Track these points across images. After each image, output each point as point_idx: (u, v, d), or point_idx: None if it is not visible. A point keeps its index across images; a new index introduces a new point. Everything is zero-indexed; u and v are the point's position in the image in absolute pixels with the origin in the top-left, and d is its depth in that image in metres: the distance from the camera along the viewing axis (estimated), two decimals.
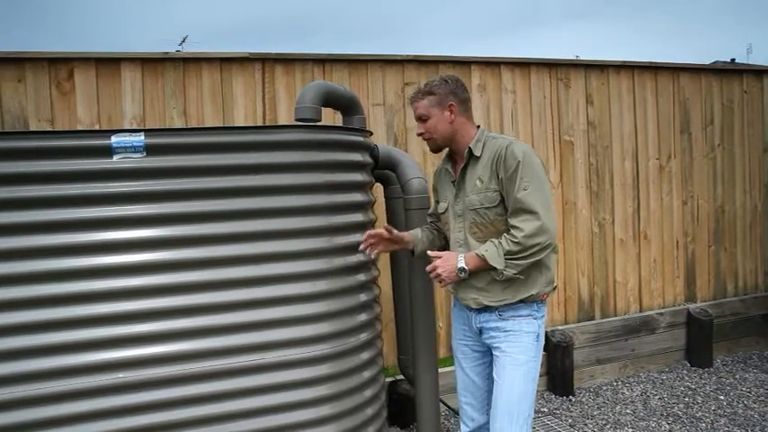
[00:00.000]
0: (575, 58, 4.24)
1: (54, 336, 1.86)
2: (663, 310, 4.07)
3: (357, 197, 2.30)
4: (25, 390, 1.84)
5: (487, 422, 2.10)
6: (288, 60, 3.13)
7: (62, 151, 1.86)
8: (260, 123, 3.06)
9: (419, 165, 2.62)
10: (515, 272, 1.89)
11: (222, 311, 1.99)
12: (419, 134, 2.11)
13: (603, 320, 3.89)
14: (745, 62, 15.61)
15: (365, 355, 2.27)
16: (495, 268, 1.88)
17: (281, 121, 3.10)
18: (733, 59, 16.48)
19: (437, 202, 2.25)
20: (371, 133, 2.59)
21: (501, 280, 1.92)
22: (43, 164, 1.85)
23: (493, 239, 1.92)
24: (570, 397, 3.58)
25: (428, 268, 1.99)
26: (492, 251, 1.88)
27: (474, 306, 2.02)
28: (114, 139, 1.87)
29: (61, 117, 2.77)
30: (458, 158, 2.10)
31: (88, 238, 1.88)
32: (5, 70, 2.67)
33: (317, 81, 2.57)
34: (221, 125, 2.99)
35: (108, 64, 2.82)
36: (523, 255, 1.86)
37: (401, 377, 3.15)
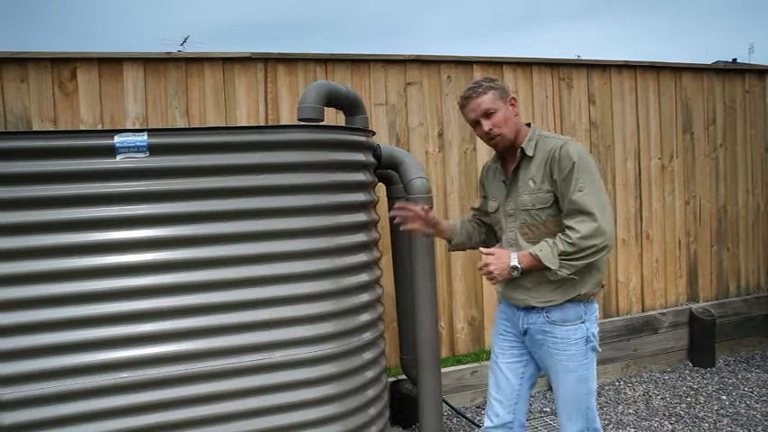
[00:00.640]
0: (576, 57, 4.25)
1: (59, 335, 1.86)
2: (665, 310, 4.07)
3: (360, 197, 2.30)
4: (28, 389, 1.84)
5: (512, 421, 2.11)
6: (290, 60, 3.13)
7: (65, 151, 1.86)
8: (262, 123, 3.06)
9: (421, 165, 2.62)
10: (569, 272, 1.86)
11: (225, 311, 2.00)
12: (486, 132, 1.96)
13: (606, 320, 3.88)
14: (747, 62, 15.59)
15: (368, 355, 2.27)
16: (548, 268, 1.85)
17: (284, 121, 3.11)
18: (735, 59, 16.46)
19: (484, 197, 2.23)
20: (374, 133, 2.59)
21: (554, 280, 1.89)
22: (46, 164, 1.85)
23: (547, 239, 1.89)
24: None
25: (479, 265, 1.94)
26: (546, 251, 1.85)
27: (522, 306, 2.01)
28: (117, 139, 1.87)
29: (64, 117, 2.77)
30: (508, 157, 2.05)
31: (91, 238, 1.88)
32: (8, 70, 2.68)
33: (320, 81, 2.57)
34: (224, 125, 3.00)
35: (110, 64, 2.82)
36: (578, 256, 1.83)
37: (403, 377, 3.15)
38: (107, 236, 1.89)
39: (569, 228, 1.84)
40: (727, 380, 3.80)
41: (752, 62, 15.75)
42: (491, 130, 1.95)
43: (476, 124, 1.99)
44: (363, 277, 2.28)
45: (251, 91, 3.07)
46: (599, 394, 3.63)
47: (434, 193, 3.38)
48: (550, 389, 3.63)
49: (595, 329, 2.01)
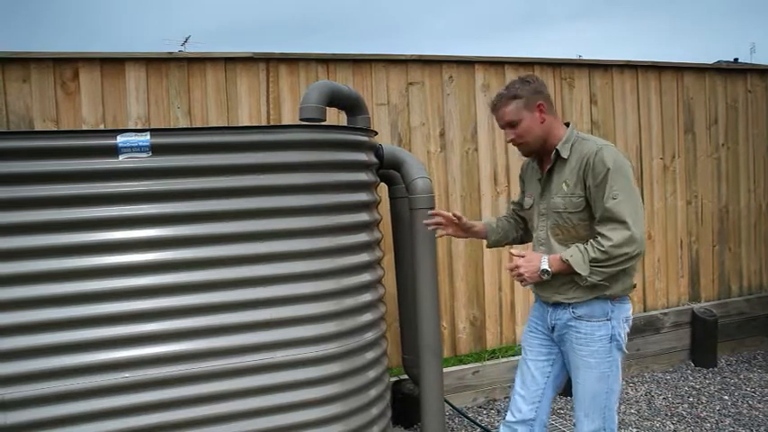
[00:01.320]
0: (577, 57, 4.24)
1: (60, 335, 1.86)
2: (667, 310, 4.07)
3: (362, 197, 2.30)
4: (30, 389, 1.84)
5: (534, 419, 2.11)
6: (292, 60, 3.13)
7: (68, 151, 1.86)
8: (264, 123, 3.06)
9: (423, 164, 2.62)
10: (600, 279, 1.86)
11: (227, 311, 2.00)
12: (510, 141, 2.02)
13: None
14: (749, 62, 15.57)
15: (370, 355, 2.27)
16: (579, 274, 1.86)
17: (286, 121, 3.11)
18: (736, 59, 16.45)
19: (523, 192, 2.25)
20: (376, 133, 2.59)
21: (585, 285, 1.90)
22: (48, 164, 1.85)
23: (578, 245, 1.89)
24: None
25: (509, 266, 1.97)
26: (577, 257, 1.86)
27: (550, 301, 2.03)
28: (120, 139, 1.88)
29: (66, 117, 2.77)
30: (544, 157, 2.06)
31: (93, 238, 1.88)
32: (11, 70, 2.68)
33: (322, 81, 2.57)
34: (226, 125, 3.00)
35: (113, 64, 2.83)
36: (610, 263, 1.83)
37: (405, 377, 3.15)
38: (109, 236, 1.90)
39: (602, 235, 1.84)
40: (729, 380, 3.80)
41: (753, 62, 15.73)
42: (513, 140, 2.00)
43: (503, 129, 2.04)
44: (365, 277, 2.28)
45: (253, 91, 3.07)
46: None
47: (436, 193, 3.37)
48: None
49: (622, 329, 1.99)
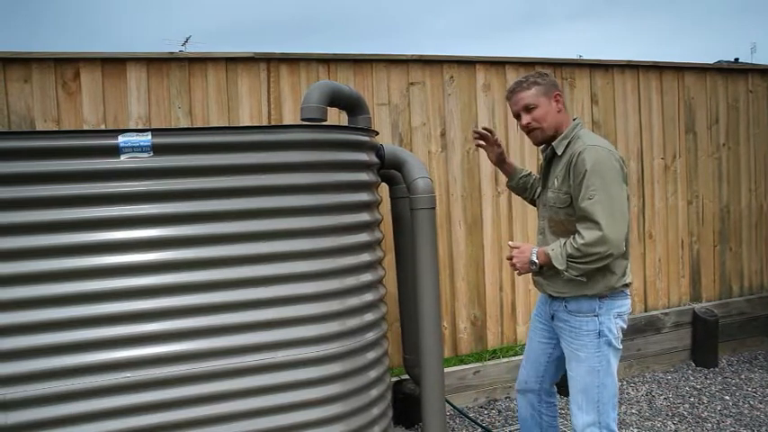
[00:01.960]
0: (578, 57, 4.24)
1: (61, 335, 1.86)
2: (668, 310, 4.07)
3: (363, 197, 2.30)
4: (31, 389, 1.84)
5: (538, 389, 2.33)
6: (293, 60, 3.13)
7: (69, 151, 1.86)
8: (265, 123, 3.07)
9: (424, 164, 2.62)
10: (576, 274, 1.97)
11: (228, 311, 1.99)
12: (524, 125, 2.08)
13: None
14: (749, 62, 15.57)
15: (371, 355, 2.27)
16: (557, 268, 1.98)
17: (287, 121, 3.11)
18: (737, 59, 16.44)
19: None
20: (377, 133, 2.59)
21: (565, 279, 2.02)
22: (50, 164, 1.85)
23: (561, 239, 2.01)
24: None
25: (507, 257, 2.16)
26: (557, 251, 1.98)
27: (544, 291, 2.19)
28: (121, 139, 1.88)
29: (67, 117, 2.77)
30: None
31: (95, 238, 1.88)
32: (12, 70, 2.68)
33: (323, 81, 2.57)
34: (227, 125, 3.00)
35: (114, 64, 2.83)
36: (583, 261, 1.93)
37: (406, 377, 3.15)
38: (110, 236, 1.89)
39: (578, 233, 1.94)
40: (730, 380, 3.80)
41: (754, 62, 15.73)
42: (529, 123, 2.07)
43: (518, 117, 2.11)
44: (367, 277, 2.28)
45: (254, 91, 3.07)
46: None
47: (437, 193, 3.37)
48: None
49: (613, 325, 2.05)
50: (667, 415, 3.31)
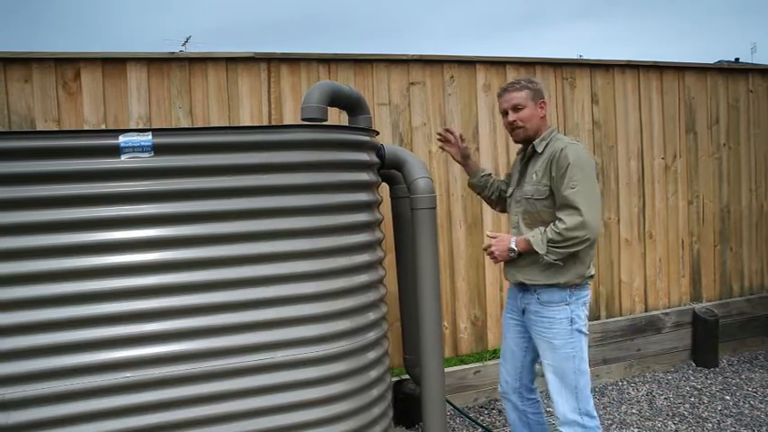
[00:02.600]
0: (578, 57, 4.24)
1: (61, 335, 1.86)
2: (668, 310, 4.06)
3: (363, 197, 2.30)
4: (30, 389, 1.84)
5: (519, 386, 2.45)
6: (293, 60, 3.13)
7: (70, 151, 1.86)
8: (265, 123, 3.07)
9: (425, 164, 2.62)
10: (555, 258, 2.13)
11: (229, 311, 1.99)
12: (510, 122, 2.29)
13: (610, 320, 3.88)
14: (750, 62, 15.57)
15: (372, 355, 2.27)
16: (538, 253, 2.13)
17: (287, 121, 3.11)
18: (737, 59, 16.43)
19: (509, 176, 2.57)
20: (377, 133, 2.59)
21: (543, 263, 2.16)
22: (50, 164, 1.85)
23: (540, 227, 2.18)
24: None
25: (484, 246, 2.31)
26: (537, 237, 2.15)
27: (513, 281, 2.34)
28: (122, 139, 1.88)
29: (68, 117, 2.77)
30: (527, 151, 2.35)
31: (96, 238, 1.88)
32: (12, 71, 2.68)
33: (323, 81, 2.57)
34: (228, 125, 3.00)
35: (114, 64, 2.83)
36: (563, 244, 2.10)
37: (407, 377, 3.15)
38: (111, 236, 1.89)
39: (559, 219, 2.12)
40: (730, 380, 3.80)
41: (754, 62, 15.73)
42: (515, 122, 2.28)
43: (505, 114, 2.32)
44: (367, 277, 2.27)
45: (254, 91, 3.07)
46: (602, 394, 3.63)
47: (437, 192, 3.37)
48: None
49: (581, 312, 2.24)
50: (668, 415, 3.31)
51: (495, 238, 2.26)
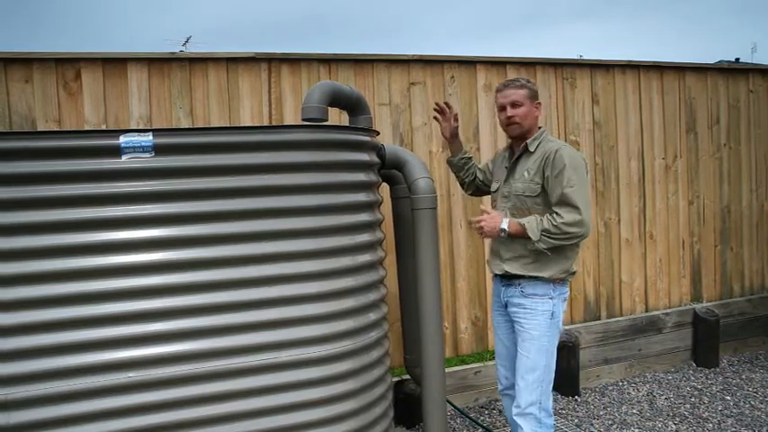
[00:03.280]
0: (578, 57, 4.24)
1: (64, 335, 1.86)
2: (669, 310, 4.06)
3: (364, 197, 2.30)
4: (34, 389, 1.84)
5: (515, 384, 2.43)
6: (294, 60, 3.13)
7: (71, 151, 1.86)
8: (266, 123, 3.07)
9: (425, 164, 2.62)
10: (546, 247, 2.20)
11: (231, 311, 1.99)
12: (507, 117, 2.35)
13: (610, 320, 3.88)
14: (750, 62, 15.56)
15: (373, 355, 2.27)
16: (530, 238, 2.20)
17: (287, 121, 3.11)
18: (737, 59, 16.43)
19: (488, 167, 2.67)
20: (378, 133, 2.59)
21: (530, 249, 2.24)
22: (51, 164, 1.85)
23: (535, 215, 2.24)
24: (576, 397, 3.58)
25: (474, 219, 2.32)
26: (532, 224, 2.20)
27: (498, 272, 2.40)
28: (123, 139, 1.88)
29: (68, 117, 2.77)
30: (515, 148, 2.43)
31: (97, 238, 1.88)
32: (13, 71, 2.68)
33: (324, 81, 2.57)
34: (228, 125, 3.00)
35: (115, 64, 2.83)
36: (558, 236, 2.18)
37: (407, 377, 3.15)
38: (112, 236, 1.89)
39: (557, 213, 2.19)
40: (731, 380, 3.79)
41: (755, 62, 15.72)
42: (512, 117, 2.34)
43: (502, 109, 2.38)
44: (368, 277, 2.28)
45: (255, 91, 3.07)
46: (603, 394, 3.63)
47: (438, 192, 3.37)
48: (553, 388, 3.62)
49: (561, 308, 2.34)
50: (668, 415, 3.31)
51: (488, 213, 2.30)
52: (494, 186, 2.53)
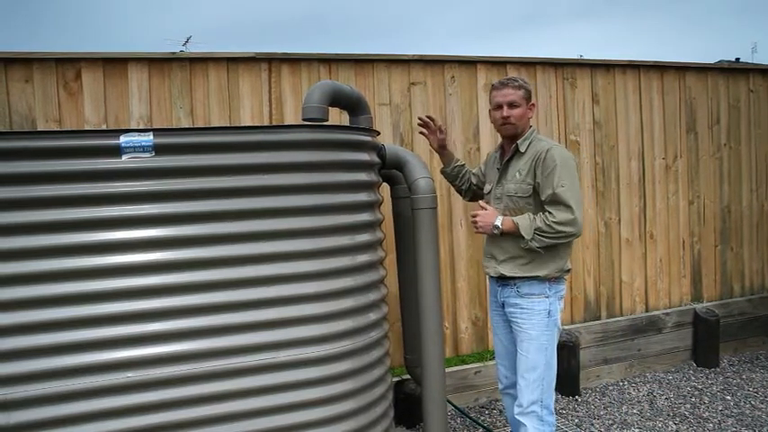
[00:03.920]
0: (578, 57, 4.24)
1: (63, 335, 1.86)
2: (669, 310, 4.06)
3: (364, 197, 2.30)
4: (33, 389, 1.84)
5: (516, 383, 2.44)
6: (294, 60, 3.13)
7: (71, 151, 1.86)
8: (266, 123, 3.06)
9: (426, 164, 2.62)
10: (538, 246, 2.22)
11: (230, 311, 1.99)
12: (503, 117, 2.36)
13: (610, 320, 3.88)
14: (750, 61, 15.56)
15: (373, 355, 2.27)
16: (523, 237, 2.21)
17: (288, 121, 3.11)
18: (738, 59, 16.42)
19: (481, 170, 2.69)
20: (378, 133, 2.59)
21: (524, 247, 2.24)
22: (52, 164, 1.85)
23: (529, 214, 2.26)
24: (576, 397, 3.58)
25: (471, 213, 2.37)
26: (525, 223, 2.23)
27: (492, 274, 2.41)
28: (123, 139, 1.88)
29: (68, 117, 2.77)
30: (507, 149, 2.44)
31: (97, 238, 1.88)
32: (13, 71, 2.68)
33: (324, 81, 2.57)
34: (228, 125, 3.00)
35: (115, 64, 2.83)
36: (550, 235, 2.19)
37: (408, 377, 3.15)
38: (112, 236, 1.89)
39: (549, 213, 2.20)
40: (731, 380, 3.79)
41: (755, 62, 15.72)
42: (508, 117, 2.35)
43: (498, 107, 2.38)
44: (369, 277, 2.27)
45: (255, 91, 3.07)
46: (603, 394, 3.63)
47: (438, 192, 3.37)
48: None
49: (558, 306, 2.35)
50: (669, 415, 3.31)
51: (484, 210, 2.33)
52: (486, 188, 2.54)
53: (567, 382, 3.57)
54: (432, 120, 2.64)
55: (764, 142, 4.40)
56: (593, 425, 3.21)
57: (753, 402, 3.43)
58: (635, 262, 4.00)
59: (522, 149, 2.34)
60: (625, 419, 3.26)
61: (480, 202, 2.40)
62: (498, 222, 2.27)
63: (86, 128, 2.77)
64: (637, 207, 3.99)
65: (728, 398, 3.51)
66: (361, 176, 2.29)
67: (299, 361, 2.06)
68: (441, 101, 3.45)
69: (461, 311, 3.54)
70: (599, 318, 3.89)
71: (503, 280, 2.38)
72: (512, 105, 2.34)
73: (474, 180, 2.71)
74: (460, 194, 2.82)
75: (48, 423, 1.85)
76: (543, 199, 2.24)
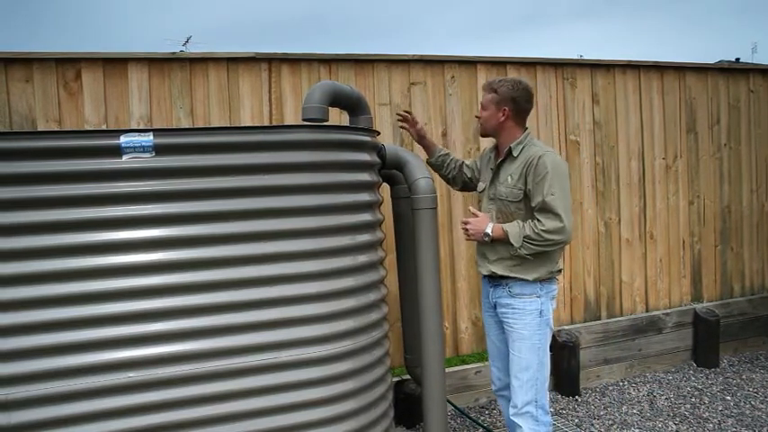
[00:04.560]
0: (578, 57, 4.24)
1: (65, 335, 1.86)
2: (669, 311, 4.06)
3: (365, 197, 2.30)
4: (35, 389, 1.84)
5: (510, 385, 2.45)
6: (294, 60, 3.13)
7: (71, 151, 1.86)
8: (266, 123, 3.06)
9: (426, 164, 2.62)
10: (527, 253, 2.24)
11: (232, 311, 1.99)
12: (476, 116, 2.48)
13: (611, 320, 3.88)
14: (750, 62, 15.56)
15: (374, 355, 2.27)
16: (512, 244, 2.24)
17: (288, 121, 3.11)
18: (738, 59, 16.43)
19: (476, 164, 2.68)
20: (379, 133, 2.59)
21: (513, 254, 2.26)
22: (52, 164, 1.85)
23: (519, 221, 2.28)
24: (576, 397, 3.58)
25: (462, 220, 2.39)
26: (514, 230, 2.25)
27: (485, 273, 2.42)
28: (123, 139, 1.88)
29: (69, 117, 2.77)
30: (499, 150, 2.45)
31: (97, 238, 1.88)
32: (13, 71, 2.68)
33: (324, 81, 2.57)
34: (229, 125, 3.00)
35: (115, 64, 2.83)
36: (538, 243, 2.21)
37: (408, 377, 3.15)
38: (113, 236, 1.89)
39: (538, 220, 2.22)
40: (731, 380, 3.79)
41: (755, 62, 15.72)
42: (477, 117, 2.47)
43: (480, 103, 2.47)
44: (369, 277, 2.28)
45: (255, 91, 3.07)
46: (603, 394, 3.63)
47: (438, 193, 3.37)
48: (554, 388, 3.62)
49: (550, 306, 2.36)
50: (669, 415, 3.31)
51: (475, 216, 2.35)
52: (480, 186, 2.55)
53: (568, 382, 3.57)
54: (408, 113, 2.75)
55: (764, 142, 4.40)
56: (593, 425, 3.21)
57: (753, 402, 3.44)
58: (635, 262, 4.00)
59: (515, 153, 2.35)
60: (625, 419, 3.26)
61: (471, 208, 2.42)
62: (489, 230, 2.29)
63: (86, 128, 2.77)
64: (637, 207, 3.99)
65: (728, 398, 3.51)
66: (362, 176, 2.30)
67: (301, 361, 2.06)
68: (441, 101, 3.45)
69: (461, 311, 3.54)
70: (599, 318, 3.89)
71: (494, 280, 2.40)
72: (481, 107, 2.42)
73: (468, 173, 2.70)
74: (449, 183, 2.82)
75: (49, 423, 1.85)
76: (533, 206, 2.25)
